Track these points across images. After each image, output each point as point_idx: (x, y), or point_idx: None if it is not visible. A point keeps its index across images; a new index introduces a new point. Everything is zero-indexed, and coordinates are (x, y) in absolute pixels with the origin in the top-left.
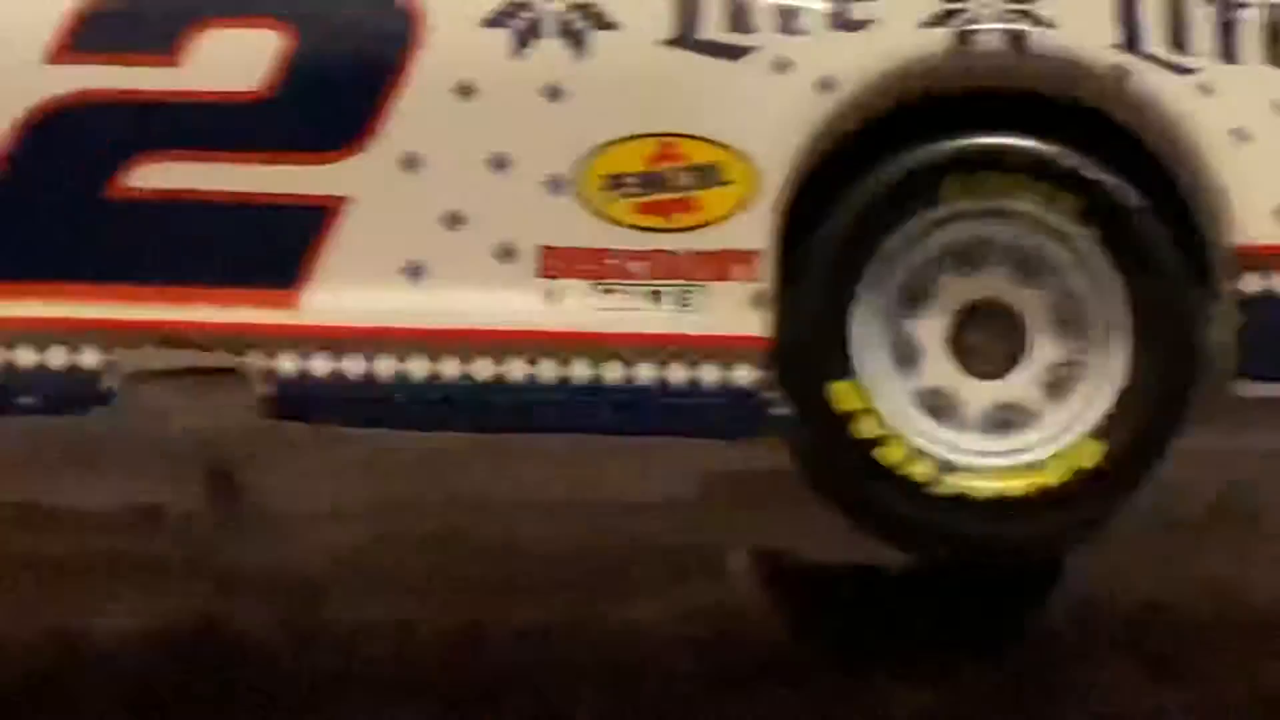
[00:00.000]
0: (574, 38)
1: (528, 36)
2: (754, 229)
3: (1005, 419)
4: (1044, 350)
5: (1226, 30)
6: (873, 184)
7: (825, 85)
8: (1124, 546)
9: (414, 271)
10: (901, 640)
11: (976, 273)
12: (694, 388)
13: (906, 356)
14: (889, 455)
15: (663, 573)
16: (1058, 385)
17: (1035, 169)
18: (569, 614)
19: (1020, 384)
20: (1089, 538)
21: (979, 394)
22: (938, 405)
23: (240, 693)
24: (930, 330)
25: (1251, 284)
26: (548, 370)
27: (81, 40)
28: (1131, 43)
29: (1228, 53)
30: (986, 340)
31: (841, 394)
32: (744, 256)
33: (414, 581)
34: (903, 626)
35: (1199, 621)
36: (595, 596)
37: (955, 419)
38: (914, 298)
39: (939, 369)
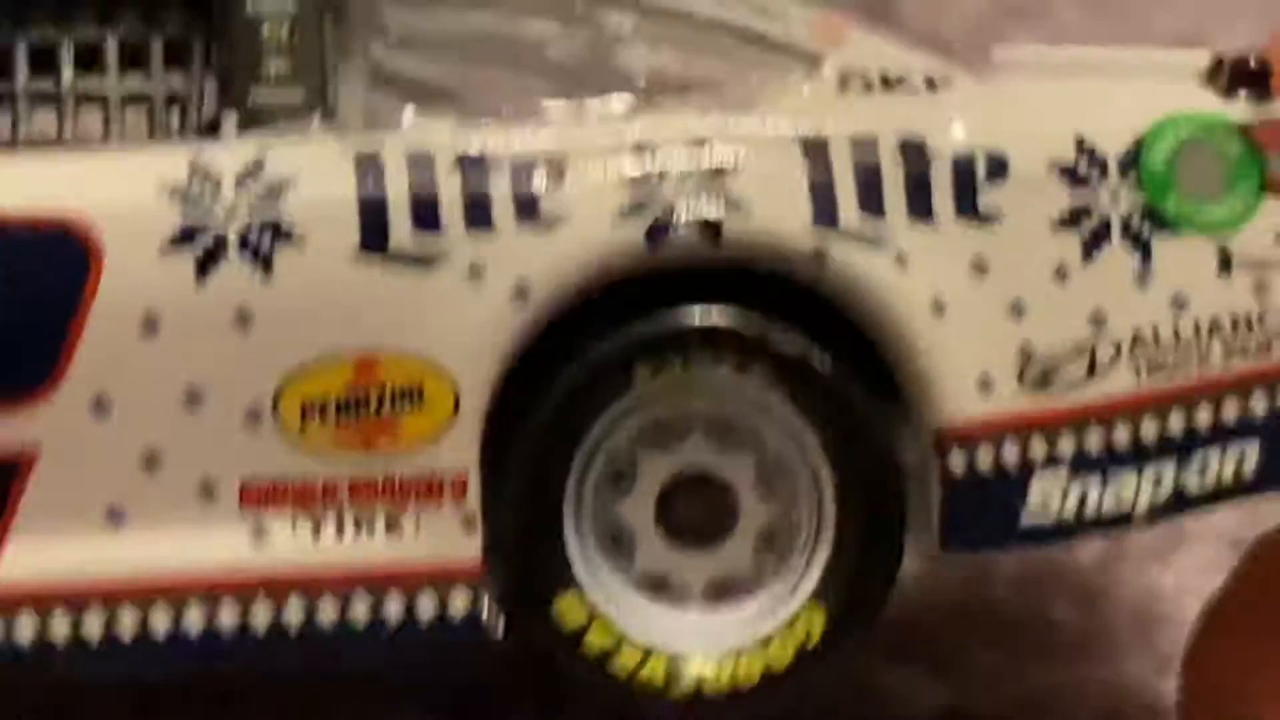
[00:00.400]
0: (258, 257)
1: (210, 261)
2: (458, 449)
3: (726, 591)
4: (754, 516)
5: (917, 191)
6: (565, 383)
7: (520, 289)
8: (1123, 546)
9: (115, 518)
10: (907, 638)
11: (678, 445)
12: (410, 618)
13: (619, 542)
14: (622, 663)
15: None
16: (773, 550)
17: (720, 342)
18: None
19: (734, 552)
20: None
21: (697, 569)
22: (658, 588)
23: (240, 693)
24: (637, 510)
25: (956, 462)
26: (260, 613)
27: None
28: (825, 217)
29: (920, 216)
30: (696, 512)
31: (567, 609)
32: (450, 478)
33: None
34: (908, 624)
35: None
36: None
37: (678, 599)
38: (618, 480)
39: (652, 550)
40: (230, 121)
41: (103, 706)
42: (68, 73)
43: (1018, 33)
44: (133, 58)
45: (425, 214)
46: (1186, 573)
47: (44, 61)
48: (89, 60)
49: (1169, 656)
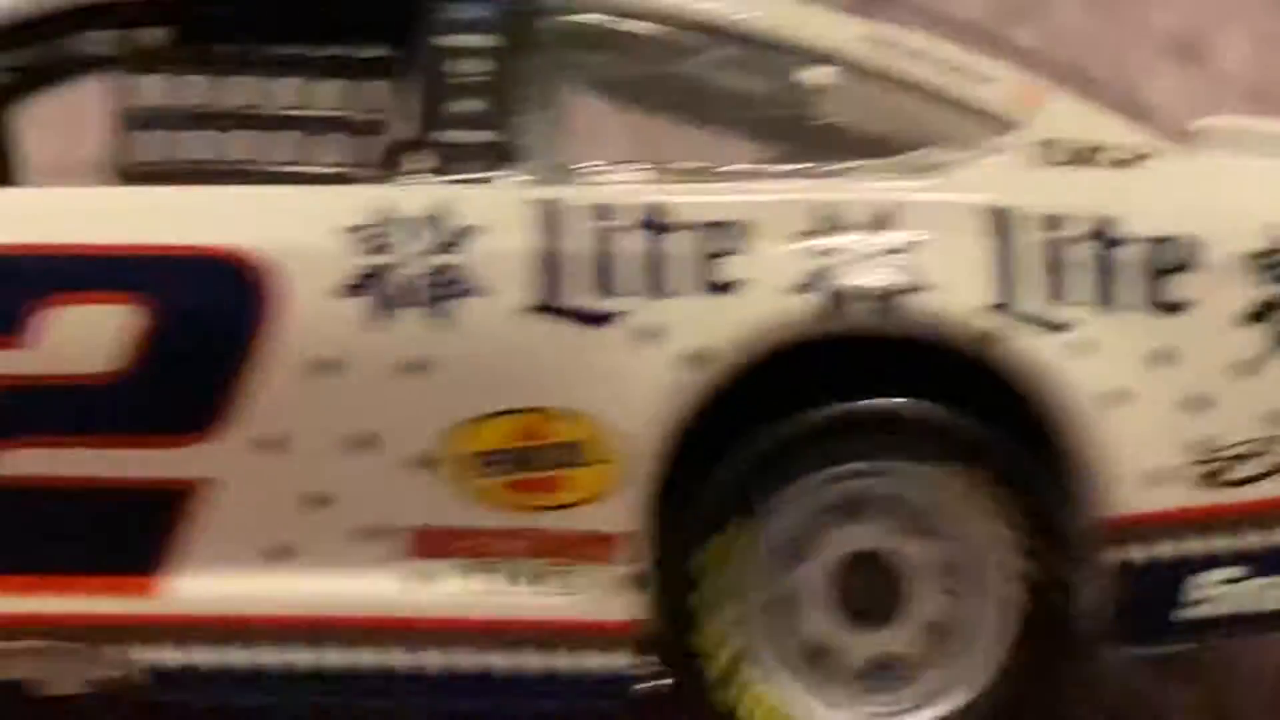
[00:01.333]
0: (435, 306)
1: (389, 306)
2: (624, 509)
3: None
4: (925, 605)
5: (1103, 275)
6: (751, 453)
7: (696, 354)
8: None
9: (279, 554)
10: None
11: (859, 524)
12: (568, 672)
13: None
14: None
15: None
16: (939, 643)
17: (925, 431)
18: None
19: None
20: None
21: (860, 645)
22: (818, 660)
23: None
24: (811, 583)
25: (1117, 555)
26: (425, 657)
27: None
28: (1006, 301)
29: (1104, 301)
30: (868, 591)
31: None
32: (615, 538)
33: None
34: None
35: None
36: None
37: (835, 674)
38: (796, 553)
39: (819, 620)
40: (417, 161)
41: (105, 710)
42: (260, 99)
43: (1017, 33)
44: (323, 83)
45: (604, 272)
46: None
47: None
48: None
49: (1175, 658)
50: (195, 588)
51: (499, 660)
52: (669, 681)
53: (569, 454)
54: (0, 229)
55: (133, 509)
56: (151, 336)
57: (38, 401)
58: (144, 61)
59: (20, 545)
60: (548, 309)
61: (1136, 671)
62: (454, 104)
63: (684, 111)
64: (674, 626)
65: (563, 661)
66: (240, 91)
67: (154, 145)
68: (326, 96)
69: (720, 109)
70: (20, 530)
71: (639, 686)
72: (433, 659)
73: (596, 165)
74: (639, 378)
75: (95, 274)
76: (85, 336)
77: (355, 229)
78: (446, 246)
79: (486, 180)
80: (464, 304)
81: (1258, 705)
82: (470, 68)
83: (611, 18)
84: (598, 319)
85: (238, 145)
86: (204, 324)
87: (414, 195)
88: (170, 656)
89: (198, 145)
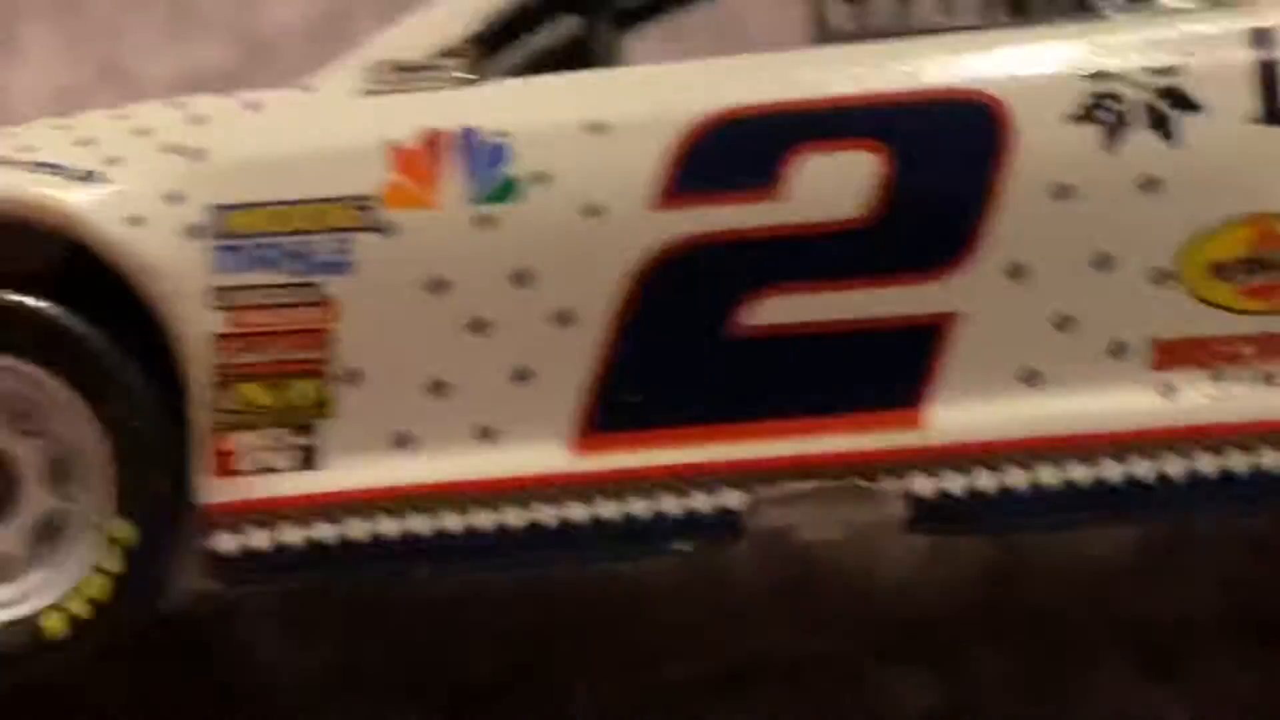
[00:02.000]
0: (1163, 126)
1: (1117, 129)
2: None
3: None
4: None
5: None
6: None
7: None
8: (1126, 548)
9: (1030, 378)
10: (907, 638)
11: None
12: None
13: None
14: None
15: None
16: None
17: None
18: (567, 616)
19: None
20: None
21: None
22: None
23: (242, 693)
24: None
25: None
26: (1173, 465)
27: (683, 185)
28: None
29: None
30: None
31: None
32: None
33: None
34: (908, 624)
35: (1200, 621)
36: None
37: None
38: None
39: None
40: (1112, 3)
41: (105, 706)
42: None
43: None
44: None
45: None
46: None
47: None
48: None
49: (1164, 659)
50: (954, 417)
51: (1237, 461)
52: None
53: None
54: (741, 89)
55: (889, 347)
56: (897, 179)
57: (793, 250)
58: None
59: (780, 390)
60: (1273, 118)
61: (1135, 671)
62: None
63: None
64: None
65: None
66: None
67: (843, 15)
68: None
69: None
70: (779, 376)
71: None
72: (1175, 467)
73: None
74: None
75: (841, 123)
76: (834, 184)
77: (1081, 66)
78: (1166, 72)
79: (1191, 12)
80: (1188, 122)
81: (1257, 705)
82: None
83: None
84: None
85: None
86: (947, 162)
87: (1129, 31)
88: (933, 486)
89: (884, 11)
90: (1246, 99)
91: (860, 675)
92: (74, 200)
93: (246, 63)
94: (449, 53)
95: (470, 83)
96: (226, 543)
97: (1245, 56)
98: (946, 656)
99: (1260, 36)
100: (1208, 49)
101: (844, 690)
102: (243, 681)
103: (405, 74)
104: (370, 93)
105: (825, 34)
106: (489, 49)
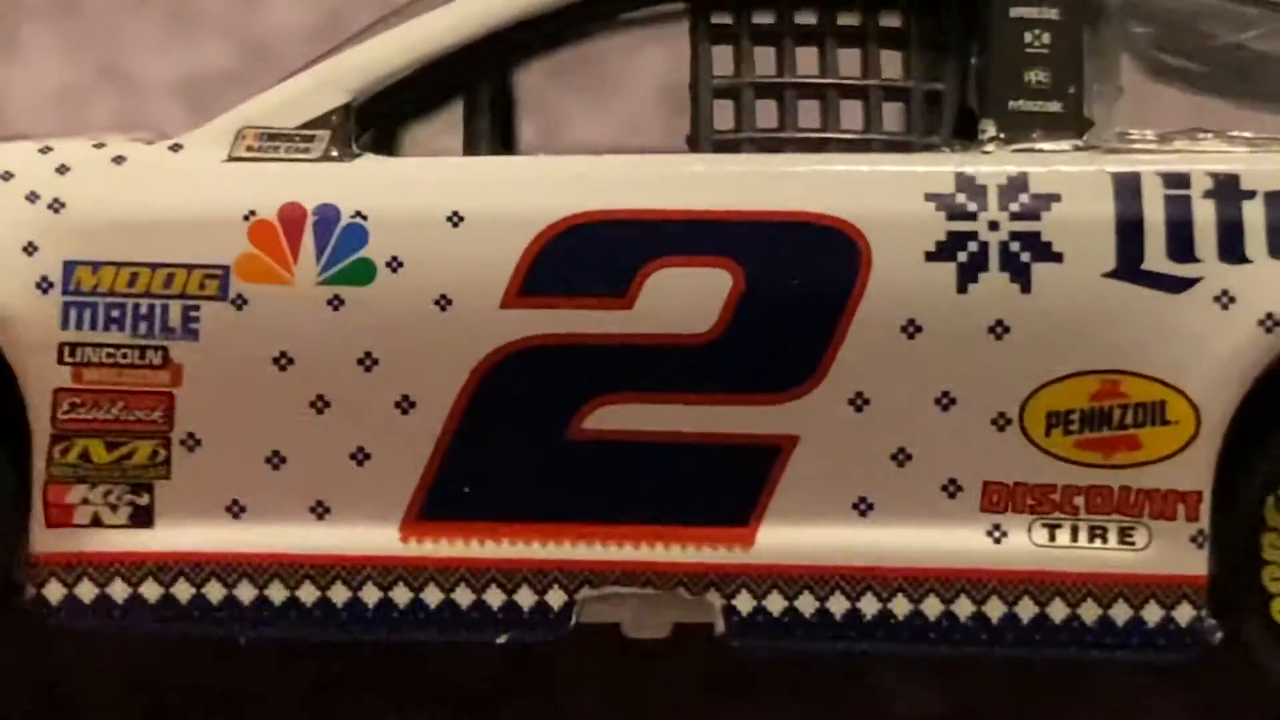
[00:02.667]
0: (1018, 271)
1: (972, 270)
2: (1195, 468)
3: None
4: None
5: None
6: None
7: (1271, 321)
8: None
9: (863, 508)
10: None
11: None
12: (1136, 624)
13: None
14: None
15: None
16: None
17: None
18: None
19: None
20: None
21: None
22: None
23: (244, 693)
24: None
25: None
26: (994, 606)
27: (534, 284)
28: None
29: None
30: None
31: None
32: (1185, 494)
33: None
34: None
35: None
36: None
37: None
38: None
39: None
40: (989, 129)
41: (110, 706)
42: (831, 65)
43: None
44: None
45: (1179, 240)
46: None
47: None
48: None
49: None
50: (784, 538)
51: (1057, 611)
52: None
53: (1145, 414)
54: (605, 194)
55: (728, 463)
56: (749, 299)
57: (639, 359)
58: (714, 34)
59: (614, 495)
60: (1124, 276)
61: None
62: (1025, 74)
63: (1237, 83)
64: (1238, 576)
65: (1121, 613)
66: (804, 62)
67: (722, 115)
68: (884, 66)
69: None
70: (615, 481)
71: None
72: (995, 608)
73: (1156, 133)
74: (1213, 343)
75: (698, 238)
76: (685, 298)
77: (938, 196)
78: (1027, 214)
79: (1058, 150)
80: (1043, 270)
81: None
82: (1038, 39)
83: None
84: (1173, 285)
85: (801, 115)
86: (800, 288)
87: (995, 164)
88: (751, 604)
89: (764, 115)
90: (1104, 251)
91: (861, 675)
92: None
93: (246, 63)
94: (318, 123)
95: (337, 157)
96: (54, 591)
97: (1108, 208)
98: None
99: (1124, 185)
100: (1072, 194)
101: (844, 690)
102: (246, 679)
103: (272, 142)
104: (235, 158)
105: (703, 140)
106: (363, 122)
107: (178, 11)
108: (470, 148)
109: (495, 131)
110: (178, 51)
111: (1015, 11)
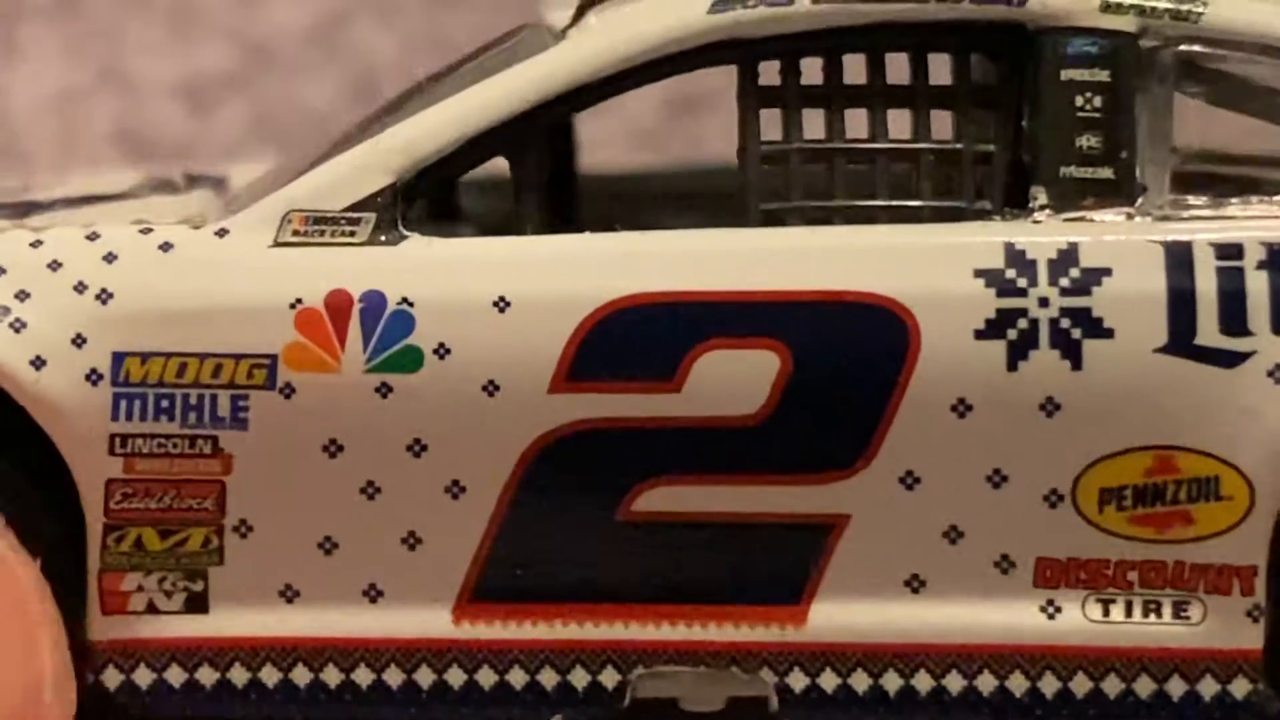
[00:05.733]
0: (1068, 349)
1: (1022, 348)
2: (1250, 543)
3: None
4: None
5: None
6: None
7: None
8: None
9: (915, 585)
10: None
11: None
12: (1192, 699)
13: None
14: None
15: None
16: None
17: None
18: None
19: None
20: None
21: None
22: None
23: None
24: None
25: None
26: (1048, 684)
27: (582, 369)
28: None
29: None
30: None
31: None
32: (1240, 569)
33: None
34: None
35: None
36: None
37: None
38: None
39: None
40: (1040, 197)
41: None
42: (880, 126)
43: None
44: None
45: (1232, 313)
46: None
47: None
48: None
49: None
50: (835, 616)
51: (1112, 686)
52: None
53: (1199, 489)
54: (651, 275)
55: (779, 543)
56: (798, 380)
57: (688, 442)
58: (765, 97)
59: (668, 576)
60: (1180, 350)
61: None
62: (1076, 140)
63: None
64: None
65: (1177, 688)
66: (854, 125)
67: (774, 181)
68: (935, 128)
69: None
70: (665, 562)
71: (1257, 712)
72: (1049, 684)
73: (1208, 201)
74: (1269, 416)
75: (746, 320)
76: (734, 381)
77: (987, 272)
78: (1077, 289)
79: (1109, 220)
80: (1094, 346)
81: None
82: (1089, 103)
83: (1214, 49)
84: (1230, 359)
85: (852, 179)
86: (849, 369)
87: (1045, 236)
88: (805, 681)
89: (817, 180)
90: (1156, 326)
91: None
92: None
93: (247, 64)
94: (364, 205)
95: (384, 241)
96: (111, 678)
97: (1159, 281)
98: None
99: (1176, 257)
100: (1123, 267)
101: None
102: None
103: (319, 225)
104: (281, 243)
105: (750, 208)
106: (408, 201)
107: (177, 12)
108: (518, 221)
109: (547, 194)
110: (177, 52)
111: (1066, 74)
